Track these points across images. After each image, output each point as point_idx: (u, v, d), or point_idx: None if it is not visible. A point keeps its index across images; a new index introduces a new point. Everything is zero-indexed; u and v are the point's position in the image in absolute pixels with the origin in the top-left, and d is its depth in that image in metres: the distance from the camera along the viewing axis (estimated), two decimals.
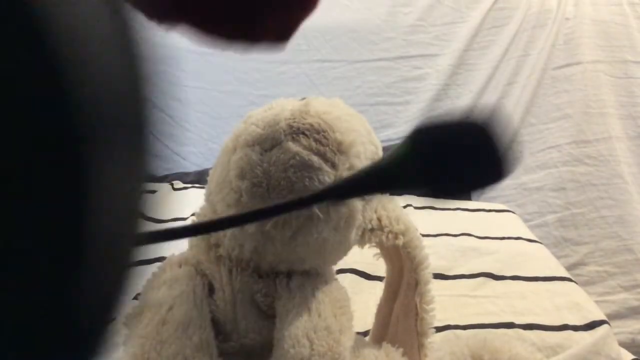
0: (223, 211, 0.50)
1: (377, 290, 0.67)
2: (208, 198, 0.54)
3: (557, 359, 0.75)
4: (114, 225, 0.14)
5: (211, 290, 0.53)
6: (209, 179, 0.54)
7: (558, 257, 1.11)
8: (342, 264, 0.59)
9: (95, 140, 0.12)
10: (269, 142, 0.47)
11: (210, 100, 1.45)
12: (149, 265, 0.87)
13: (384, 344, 0.57)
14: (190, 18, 0.25)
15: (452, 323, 0.80)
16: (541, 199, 1.48)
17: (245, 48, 0.28)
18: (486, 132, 0.26)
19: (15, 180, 0.11)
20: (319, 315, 0.49)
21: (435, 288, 0.59)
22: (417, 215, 1.12)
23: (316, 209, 0.47)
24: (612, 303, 1.38)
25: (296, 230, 0.48)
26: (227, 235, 0.51)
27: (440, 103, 1.52)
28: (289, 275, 0.52)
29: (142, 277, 0.56)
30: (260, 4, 0.26)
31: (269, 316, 0.51)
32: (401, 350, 0.57)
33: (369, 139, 0.52)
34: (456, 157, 0.26)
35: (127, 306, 0.54)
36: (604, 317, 0.84)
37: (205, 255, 0.53)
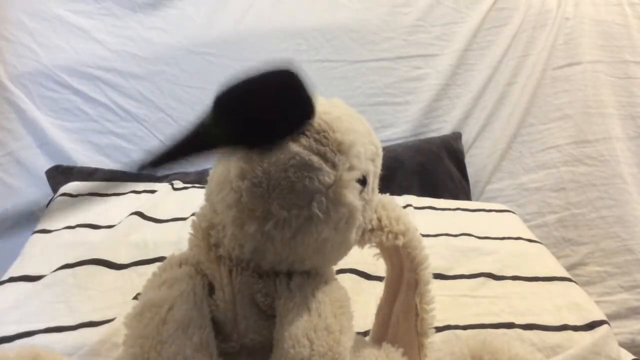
0: (223, 211, 0.50)
1: (377, 290, 0.67)
2: (208, 198, 0.54)
3: (557, 359, 0.75)
4: None
5: (211, 290, 0.53)
6: (209, 178, 0.54)
7: (558, 257, 1.11)
8: (342, 264, 0.59)
9: None
10: None
11: (210, 101, 1.45)
12: (149, 265, 0.87)
13: (384, 344, 0.58)
14: None
15: (452, 323, 0.80)
16: (541, 199, 1.48)
17: None
18: (283, 79, 0.26)
19: None
20: (319, 315, 0.49)
21: (435, 288, 0.60)
22: (417, 215, 1.12)
23: (316, 209, 0.47)
24: (612, 303, 1.38)
25: (296, 230, 0.48)
26: (227, 236, 0.51)
27: (440, 103, 1.52)
28: (289, 275, 0.52)
29: (142, 277, 0.56)
30: None
31: (269, 316, 0.51)
32: (401, 350, 0.57)
33: (369, 139, 0.52)
34: (259, 105, 0.26)
35: (127, 306, 0.54)
36: (604, 317, 0.84)
37: (205, 255, 0.53)
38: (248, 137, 0.26)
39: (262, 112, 0.26)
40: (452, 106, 1.52)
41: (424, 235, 0.59)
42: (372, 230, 0.56)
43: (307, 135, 0.47)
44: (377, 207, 0.57)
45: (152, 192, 1.14)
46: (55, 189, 1.22)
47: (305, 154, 0.46)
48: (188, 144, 0.27)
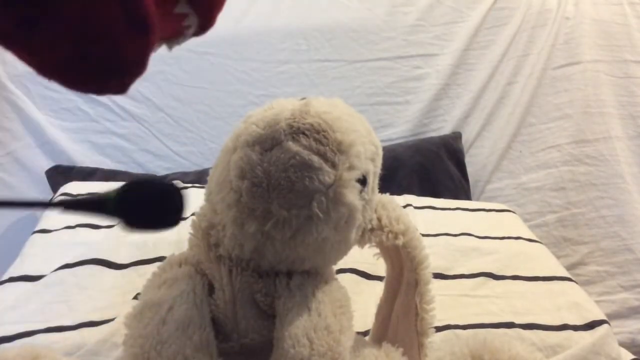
0: (223, 211, 0.50)
1: (377, 290, 0.67)
2: (208, 198, 0.54)
3: (557, 359, 0.75)
4: None
5: (211, 290, 0.53)
6: (209, 178, 0.54)
7: (558, 257, 1.11)
8: (342, 264, 0.59)
9: None
10: (269, 142, 0.47)
11: (210, 100, 1.45)
12: (149, 265, 0.87)
13: (384, 344, 0.58)
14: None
15: (452, 323, 0.80)
16: (541, 199, 1.48)
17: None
18: (167, 193, 0.37)
19: None
20: (319, 315, 0.49)
21: (435, 288, 0.59)
22: (417, 215, 1.12)
23: (316, 209, 0.47)
24: (612, 303, 1.38)
25: (296, 230, 0.48)
26: (227, 235, 0.51)
27: (440, 102, 1.52)
28: (289, 275, 0.52)
29: (142, 277, 0.57)
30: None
31: (269, 316, 0.51)
32: (401, 350, 0.57)
33: (369, 138, 0.52)
34: (145, 205, 0.36)
35: (127, 306, 0.54)
36: (604, 317, 0.84)
37: (205, 255, 0.53)
38: (129, 220, 0.35)
39: (146, 211, 0.37)
40: (452, 106, 1.52)
41: (424, 235, 0.59)
42: (372, 230, 0.56)
43: (307, 135, 0.47)
44: (377, 207, 0.57)
45: None
46: (55, 189, 1.22)
47: (305, 153, 0.46)
48: (90, 203, 0.35)
